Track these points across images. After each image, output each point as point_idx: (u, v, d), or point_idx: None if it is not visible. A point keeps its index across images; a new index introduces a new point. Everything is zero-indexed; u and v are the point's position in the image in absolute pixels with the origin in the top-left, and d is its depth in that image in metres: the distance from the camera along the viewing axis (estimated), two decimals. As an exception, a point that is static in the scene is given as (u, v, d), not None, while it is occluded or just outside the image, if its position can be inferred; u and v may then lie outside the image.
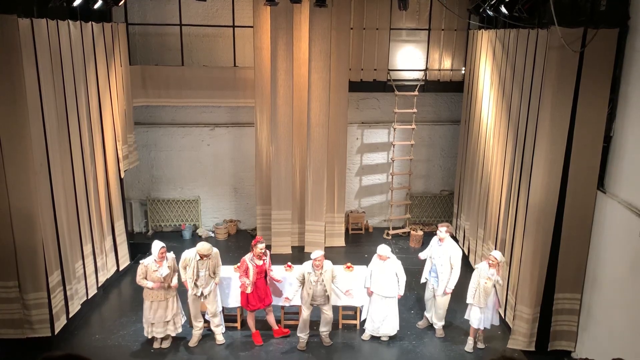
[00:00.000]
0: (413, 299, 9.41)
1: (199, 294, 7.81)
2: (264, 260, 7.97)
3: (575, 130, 7.07)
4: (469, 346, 8.11)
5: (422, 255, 8.51)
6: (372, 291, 8.04)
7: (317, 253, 7.73)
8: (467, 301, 7.89)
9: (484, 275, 7.68)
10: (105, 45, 9.41)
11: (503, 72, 9.01)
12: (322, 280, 7.75)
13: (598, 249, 7.21)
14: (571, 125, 7.08)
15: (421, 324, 8.66)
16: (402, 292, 8.08)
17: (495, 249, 8.85)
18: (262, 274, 7.97)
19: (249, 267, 7.82)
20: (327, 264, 7.85)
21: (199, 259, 7.68)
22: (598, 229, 7.21)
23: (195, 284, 7.74)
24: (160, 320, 7.80)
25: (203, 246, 7.68)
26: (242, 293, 7.95)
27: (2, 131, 6.99)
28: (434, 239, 8.35)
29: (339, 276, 8.06)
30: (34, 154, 7.17)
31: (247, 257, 7.91)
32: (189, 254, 7.77)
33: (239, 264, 8.11)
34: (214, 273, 7.87)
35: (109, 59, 9.59)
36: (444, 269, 8.06)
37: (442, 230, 8.14)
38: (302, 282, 7.86)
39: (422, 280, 8.48)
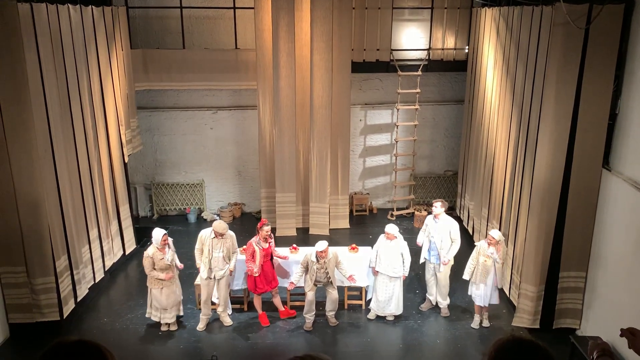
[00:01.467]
0: (417, 279, 9.45)
1: (211, 277, 7.86)
2: (269, 242, 8.01)
3: (581, 108, 7.01)
4: (475, 323, 8.20)
5: (419, 240, 8.49)
6: (378, 271, 8.09)
7: (322, 245, 7.76)
8: (464, 277, 8.01)
9: (483, 253, 7.74)
10: (106, 29, 9.35)
11: (507, 50, 8.91)
12: (326, 268, 7.82)
13: (603, 227, 7.21)
14: (576, 103, 7.02)
15: (424, 306, 8.69)
16: (406, 273, 8.13)
17: (500, 228, 8.86)
18: (269, 256, 8.03)
19: (256, 250, 7.86)
20: (331, 251, 7.90)
21: (214, 237, 7.74)
22: (603, 207, 7.19)
23: (209, 266, 7.79)
24: (173, 304, 7.88)
25: (219, 224, 7.78)
26: (250, 277, 8.00)
27: (5, 117, 7.00)
28: (429, 218, 8.36)
29: (343, 260, 8.09)
30: (38, 139, 7.18)
31: (254, 241, 7.95)
32: (205, 233, 7.88)
33: (244, 247, 8.15)
34: (229, 258, 7.91)
35: (110, 43, 9.53)
36: (444, 244, 8.09)
37: (437, 206, 8.17)
38: (306, 268, 7.92)
39: (421, 260, 8.52)
